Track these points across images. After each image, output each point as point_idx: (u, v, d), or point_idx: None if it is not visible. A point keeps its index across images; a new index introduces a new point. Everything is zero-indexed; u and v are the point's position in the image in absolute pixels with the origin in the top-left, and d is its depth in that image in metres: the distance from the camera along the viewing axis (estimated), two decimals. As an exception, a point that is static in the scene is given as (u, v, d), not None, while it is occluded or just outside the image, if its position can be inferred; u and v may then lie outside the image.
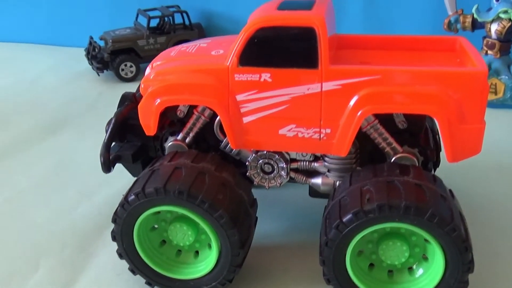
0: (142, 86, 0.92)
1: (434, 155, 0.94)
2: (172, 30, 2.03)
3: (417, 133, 0.89)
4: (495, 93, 1.63)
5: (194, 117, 0.94)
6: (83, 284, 0.95)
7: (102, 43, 2.03)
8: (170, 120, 0.97)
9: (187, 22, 2.07)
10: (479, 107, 0.80)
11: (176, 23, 2.05)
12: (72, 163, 1.40)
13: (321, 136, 0.86)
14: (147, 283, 0.91)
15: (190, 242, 0.88)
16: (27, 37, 2.43)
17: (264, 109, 0.86)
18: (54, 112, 1.73)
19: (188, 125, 0.95)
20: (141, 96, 0.93)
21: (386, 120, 0.87)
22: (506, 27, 1.59)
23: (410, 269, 0.85)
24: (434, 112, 0.80)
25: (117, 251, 0.89)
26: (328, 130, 0.86)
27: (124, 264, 0.91)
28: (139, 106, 0.92)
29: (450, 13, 1.71)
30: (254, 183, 0.97)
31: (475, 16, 1.63)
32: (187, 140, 0.96)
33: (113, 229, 0.87)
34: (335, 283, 0.83)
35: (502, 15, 1.58)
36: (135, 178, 0.90)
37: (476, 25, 1.67)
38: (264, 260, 0.99)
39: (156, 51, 2.01)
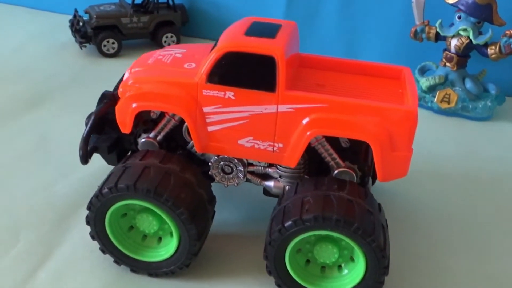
0: (121, 90, 1.03)
1: (371, 171, 1.08)
2: (155, 10, 2.11)
3: (358, 151, 1.03)
4: (448, 102, 1.78)
5: (166, 119, 1.06)
6: (59, 258, 1.07)
7: (86, 16, 2.09)
8: (144, 119, 1.09)
9: (170, 2, 2.15)
10: (407, 138, 0.94)
11: (160, 1, 2.13)
12: (52, 140, 1.49)
13: (274, 149, 1.00)
14: (115, 261, 1.05)
15: (155, 230, 1.02)
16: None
17: (227, 122, 0.99)
18: (36, 85, 1.81)
19: (160, 125, 1.07)
20: (119, 97, 1.05)
21: (332, 138, 1.01)
22: (465, 43, 1.73)
23: (340, 267, 1.00)
24: (369, 139, 0.94)
25: (90, 234, 1.02)
26: (281, 145, 0.99)
27: (96, 242, 1.04)
28: (116, 107, 1.03)
29: (417, 22, 1.83)
30: (215, 181, 1.10)
31: (437, 29, 1.76)
32: (158, 138, 1.08)
33: (87, 214, 1.00)
34: (275, 275, 0.99)
35: (461, 33, 1.71)
36: (110, 171, 1.02)
37: (439, 37, 1.80)
38: (218, 246, 1.12)
39: (139, 30, 2.11)
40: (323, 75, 1.09)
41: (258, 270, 1.05)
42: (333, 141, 1.01)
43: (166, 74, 1.01)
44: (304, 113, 0.95)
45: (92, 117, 1.06)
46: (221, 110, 0.98)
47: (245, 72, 0.95)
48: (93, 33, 2.03)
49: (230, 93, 0.96)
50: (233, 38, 0.96)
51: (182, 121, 1.06)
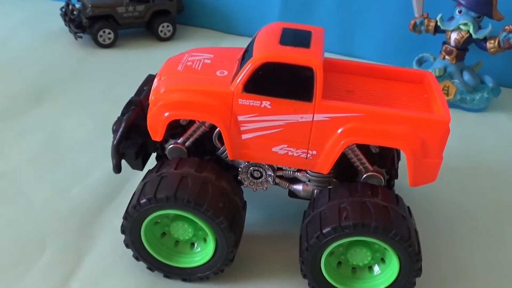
0: (153, 98, 1.02)
1: (397, 174, 1.11)
2: (151, -2, 2.07)
3: (386, 156, 1.06)
4: (447, 94, 1.83)
5: (196, 126, 1.06)
6: (89, 265, 1.07)
7: (79, 4, 2.03)
8: (172, 124, 1.08)
9: (165, -10, 2.11)
10: (439, 146, 0.98)
11: (155, -10, 2.09)
12: (60, 140, 1.46)
13: (308, 156, 1.01)
14: (148, 268, 1.05)
15: (189, 237, 1.03)
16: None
17: (261, 130, 1.00)
18: (34, 79, 1.76)
19: (189, 132, 1.07)
20: (148, 104, 1.04)
21: (362, 144, 1.03)
22: (464, 37, 1.77)
23: (370, 268, 1.04)
24: (403, 147, 0.97)
25: (124, 242, 1.03)
26: (314, 152, 1.01)
27: (123, 246, 1.03)
28: (148, 115, 1.02)
29: (416, 15, 1.86)
30: (244, 185, 1.11)
31: (438, 23, 1.79)
32: (187, 144, 1.08)
33: (123, 223, 1.00)
34: (310, 278, 1.02)
35: (462, 27, 1.75)
36: (143, 180, 1.03)
37: (437, 30, 1.84)
38: (247, 248, 1.13)
39: (134, 19, 2.06)
40: (349, 80, 1.11)
41: (290, 272, 1.08)
42: (362, 146, 1.04)
43: (199, 83, 1.00)
44: (340, 122, 0.97)
45: (123, 125, 1.05)
46: (256, 118, 0.99)
47: (283, 82, 0.95)
48: (88, 23, 1.98)
49: (266, 103, 0.97)
50: (270, 48, 0.96)
51: (212, 128, 1.06)
